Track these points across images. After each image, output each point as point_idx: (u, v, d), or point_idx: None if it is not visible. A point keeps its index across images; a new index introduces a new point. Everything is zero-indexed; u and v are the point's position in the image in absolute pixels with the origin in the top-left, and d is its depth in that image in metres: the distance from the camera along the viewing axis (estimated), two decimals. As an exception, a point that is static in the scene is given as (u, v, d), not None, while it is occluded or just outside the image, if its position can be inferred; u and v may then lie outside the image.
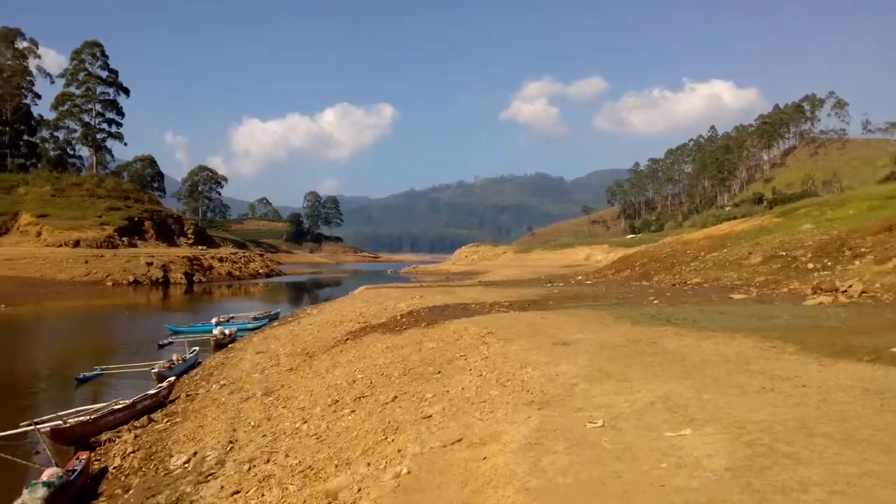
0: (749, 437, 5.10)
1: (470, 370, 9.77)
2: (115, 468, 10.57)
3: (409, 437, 6.63)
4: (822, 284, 19.04)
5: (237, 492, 7.46)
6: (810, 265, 22.91)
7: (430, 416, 7.53)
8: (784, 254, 25.60)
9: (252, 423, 10.95)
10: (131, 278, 57.28)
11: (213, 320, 28.58)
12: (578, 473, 4.53)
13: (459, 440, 6.01)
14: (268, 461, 8.35)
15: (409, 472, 5.35)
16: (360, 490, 5.47)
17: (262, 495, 6.86)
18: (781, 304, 16.57)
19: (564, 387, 7.58)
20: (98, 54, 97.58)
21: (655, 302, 18.77)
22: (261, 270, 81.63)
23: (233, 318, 31.23)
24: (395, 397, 9.21)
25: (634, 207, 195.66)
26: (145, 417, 13.34)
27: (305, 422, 9.73)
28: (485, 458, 5.26)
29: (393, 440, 6.94)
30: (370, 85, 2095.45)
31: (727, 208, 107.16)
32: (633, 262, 37.77)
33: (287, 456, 8.11)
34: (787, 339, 10.03)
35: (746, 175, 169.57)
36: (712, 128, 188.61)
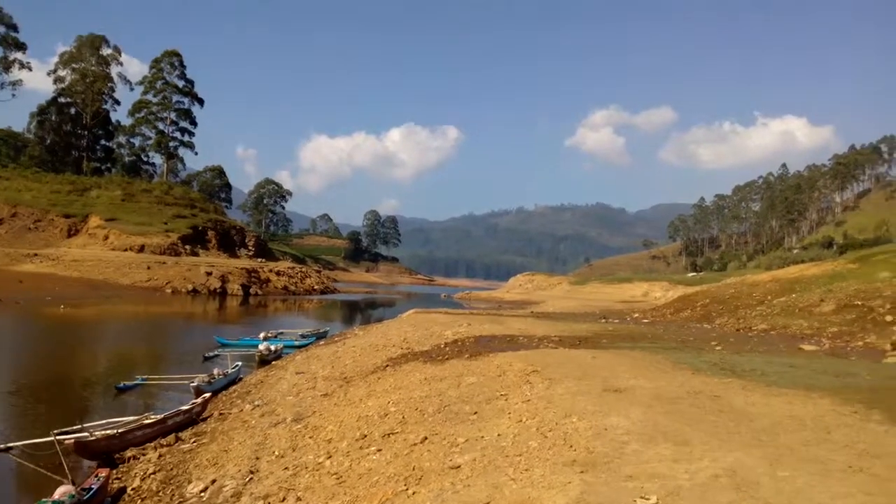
0: (839, 538, 4.13)
1: (509, 414, 8.94)
2: (133, 489, 10.13)
3: (431, 493, 5.86)
4: (903, 340, 17.40)
5: (244, 533, 6.83)
6: (888, 318, 21.11)
7: (459, 466, 6.75)
8: (860, 303, 23.75)
9: (276, 453, 10.35)
10: (190, 287, 58.36)
11: (261, 335, 28.47)
12: (622, 574, 3.66)
13: (485, 505, 5.21)
14: (283, 500, 7.72)
15: (420, 545, 4.58)
16: (364, 558, 4.74)
17: (267, 542, 6.19)
18: (858, 360, 15.10)
19: (613, 445, 6.67)
20: (176, 63, 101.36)
21: (718, 348, 17.49)
22: (316, 287, 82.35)
23: (281, 333, 31.19)
24: (425, 438, 8.46)
25: (697, 244, 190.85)
26: (173, 435, 12.93)
27: (330, 457, 9.06)
28: (511, 536, 4.45)
29: (413, 493, 6.18)
30: (437, 106, 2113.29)
31: (795, 251, 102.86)
32: (695, 303, 36.04)
33: (299, 500, 7.43)
34: (871, 403, 8.77)
35: (817, 217, 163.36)
36: (783, 166, 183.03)
